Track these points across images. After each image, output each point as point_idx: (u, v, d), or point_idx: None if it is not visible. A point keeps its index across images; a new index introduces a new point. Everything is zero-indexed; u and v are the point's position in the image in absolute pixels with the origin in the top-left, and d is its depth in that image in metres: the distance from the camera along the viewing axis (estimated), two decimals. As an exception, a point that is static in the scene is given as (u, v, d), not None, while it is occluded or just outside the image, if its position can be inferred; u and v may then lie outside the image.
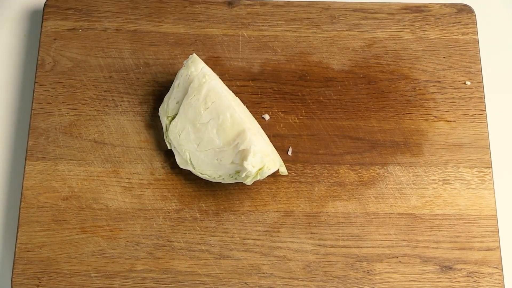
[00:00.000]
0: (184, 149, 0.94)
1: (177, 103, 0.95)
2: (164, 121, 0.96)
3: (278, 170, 0.94)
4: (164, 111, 0.96)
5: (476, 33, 1.04)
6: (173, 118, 0.95)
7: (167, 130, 0.96)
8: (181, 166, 0.95)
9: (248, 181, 0.90)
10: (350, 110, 1.00)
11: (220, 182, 0.94)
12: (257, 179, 0.91)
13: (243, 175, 0.90)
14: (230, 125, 0.91)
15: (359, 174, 0.97)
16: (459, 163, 0.98)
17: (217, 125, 0.92)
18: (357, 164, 0.97)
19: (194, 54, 0.96)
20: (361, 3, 1.06)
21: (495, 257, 0.93)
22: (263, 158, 0.90)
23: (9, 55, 1.07)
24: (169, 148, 0.96)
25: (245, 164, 0.89)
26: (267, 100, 1.00)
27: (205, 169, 0.93)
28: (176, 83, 0.96)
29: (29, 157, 0.97)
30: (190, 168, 0.94)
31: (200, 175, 0.93)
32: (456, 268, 0.93)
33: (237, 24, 1.04)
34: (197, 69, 0.94)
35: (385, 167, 0.97)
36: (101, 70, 1.02)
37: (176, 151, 0.95)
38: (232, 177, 0.92)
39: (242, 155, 0.90)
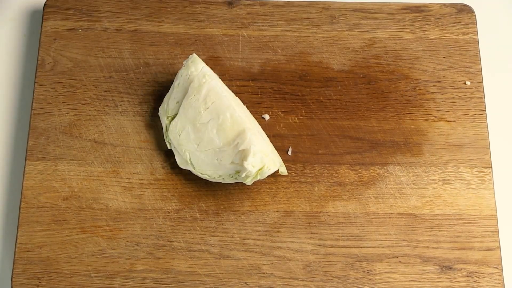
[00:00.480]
0: (184, 149, 0.94)
1: (177, 103, 0.95)
2: (164, 121, 0.96)
3: (278, 170, 0.94)
4: (164, 111, 0.96)
5: (476, 33, 1.04)
6: (173, 118, 0.95)
7: (167, 130, 0.96)
8: (181, 166, 0.95)
9: (248, 181, 0.90)
10: (350, 110, 1.00)
11: (220, 182, 0.94)
12: (257, 179, 0.91)
13: (243, 175, 0.90)
14: (230, 125, 0.91)
15: (359, 174, 0.97)
16: (459, 163, 0.98)
17: (217, 125, 0.92)
18: (357, 164, 0.97)
19: (194, 54, 0.96)
20: (361, 3, 1.06)
21: (495, 257, 0.93)
22: (263, 158, 0.90)
23: (9, 55, 1.07)
24: (169, 148, 0.96)
25: (245, 164, 0.89)
26: (267, 100, 1.00)
27: (205, 169, 0.93)
28: (176, 83, 0.96)
29: (29, 157, 0.97)
30: (190, 168, 0.94)
31: (200, 175, 0.93)
32: (456, 268, 0.93)
33: (237, 24, 1.04)
34: (197, 69, 0.94)
35: (385, 167, 0.97)
36: (101, 70, 1.02)
37: (176, 151, 0.95)
38: (232, 177, 0.92)
39: (242, 155, 0.90)
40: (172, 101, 0.96)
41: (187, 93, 0.94)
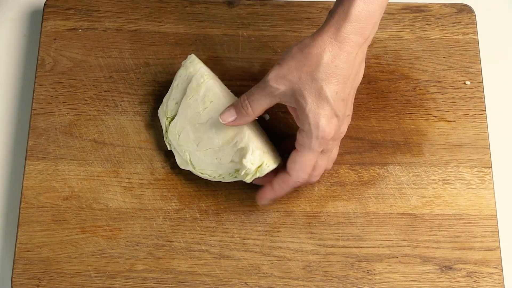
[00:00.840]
0: (184, 150, 0.94)
1: (176, 103, 0.95)
2: (163, 122, 0.96)
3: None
4: (164, 112, 0.96)
5: (476, 33, 1.04)
6: (173, 118, 0.95)
7: (166, 131, 0.96)
8: (181, 167, 0.95)
9: (248, 179, 0.90)
10: (350, 110, 1.00)
11: (220, 182, 0.94)
12: (257, 176, 0.90)
13: (242, 173, 0.90)
14: None
15: (359, 174, 0.97)
16: (459, 163, 0.98)
17: (216, 125, 0.92)
18: (357, 164, 0.97)
19: (193, 54, 0.96)
20: (361, 3, 1.06)
21: (495, 257, 0.93)
22: (262, 155, 0.90)
23: (9, 55, 1.07)
24: (169, 149, 0.96)
25: (244, 162, 0.89)
26: (267, 100, 1.00)
27: (205, 169, 0.93)
28: (174, 83, 0.96)
29: (29, 157, 0.97)
30: (190, 168, 0.94)
31: (200, 175, 0.93)
32: (456, 268, 0.93)
33: (237, 24, 1.04)
34: (195, 69, 0.94)
35: (385, 167, 0.97)
36: (101, 70, 1.02)
37: (176, 151, 0.95)
38: (232, 175, 0.92)
39: (241, 153, 0.90)
40: (171, 102, 0.96)
41: (186, 93, 0.94)
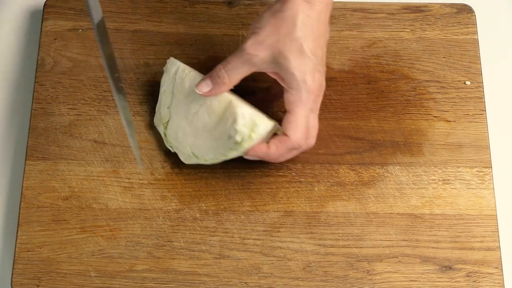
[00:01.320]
0: (185, 145, 0.94)
1: (168, 108, 0.95)
2: (161, 129, 0.96)
3: (276, 133, 0.91)
4: (159, 120, 0.96)
5: (476, 33, 1.04)
6: (168, 123, 0.95)
7: (165, 136, 0.96)
8: (186, 162, 0.95)
9: (247, 145, 0.89)
10: (350, 110, 1.00)
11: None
12: (254, 140, 0.89)
13: (239, 139, 0.88)
14: (218, 103, 0.91)
15: (359, 174, 0.97)
16: (459, 163, 0.98)
17: (207, 109, 0.91)
18: (357, 164, 0.97)
19: (171, 57, 0.96)
20: (361, 3, 1.06)
21: (495, 257, 0.93)
22: (252, 116, 0.89)
23: (9, 55, 1.07)
24: (172, 151, 0.96)
25: (237, 127, 0.88)
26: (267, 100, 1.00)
27: (207, 154, 0.92)
28: (162, 90, 0.96)
29: (29, 157, 0.97)
30: (194, 160, 0.94)
31: (205, 162, 0.93)
32: (456, 268, 0.93)
33: (237, 24, 1.04)
34: (176, 68, 0.95)
35: (385, 167, 0.97)
36: (101, 70, 1.02)
37: (179, 150, 0.95)
38: (232, 149, 0.90)
39: (233, 122, 0.89)
40: (163, 108, 0.96)
41: (173, 94, 0.94)
